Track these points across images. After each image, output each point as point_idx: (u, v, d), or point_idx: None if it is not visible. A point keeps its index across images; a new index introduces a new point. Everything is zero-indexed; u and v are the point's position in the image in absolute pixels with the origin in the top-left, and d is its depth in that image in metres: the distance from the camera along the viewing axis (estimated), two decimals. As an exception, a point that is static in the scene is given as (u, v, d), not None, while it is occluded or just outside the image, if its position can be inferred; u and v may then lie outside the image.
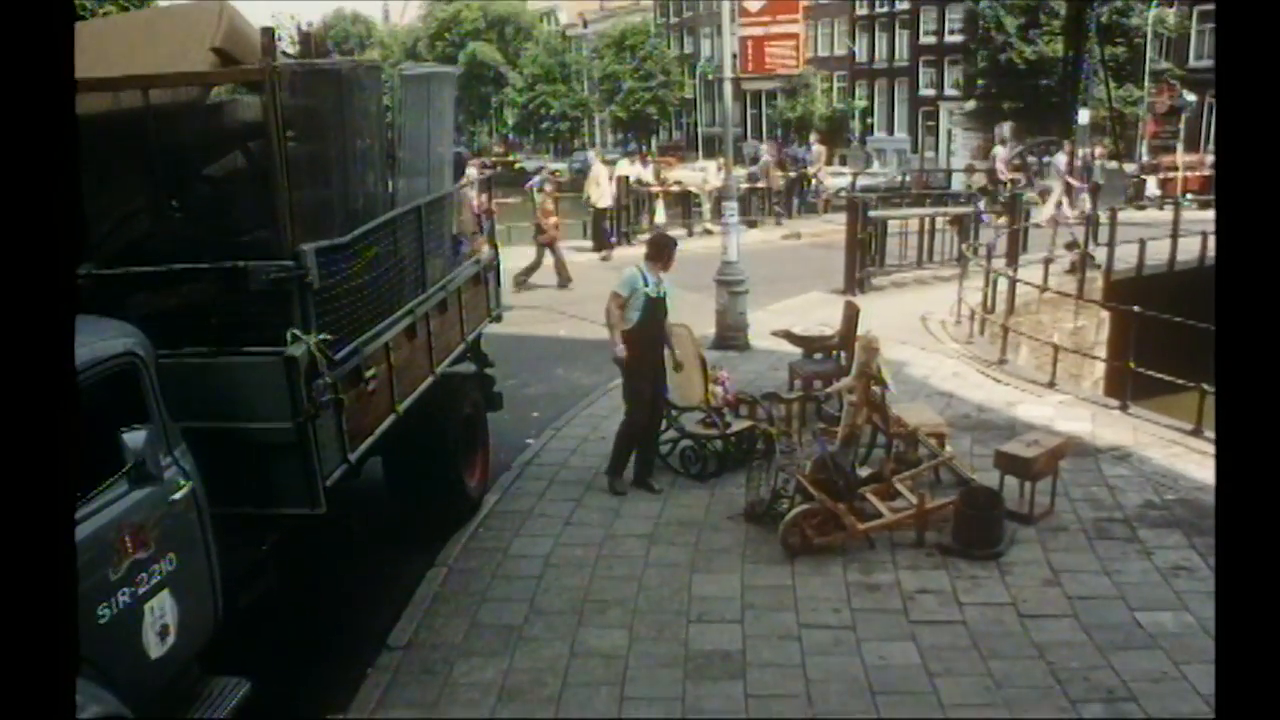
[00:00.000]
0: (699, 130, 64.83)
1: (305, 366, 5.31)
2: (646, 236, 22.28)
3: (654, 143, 63.65)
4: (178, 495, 4.67)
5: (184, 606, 4.65)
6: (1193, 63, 40.26)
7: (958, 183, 32.18)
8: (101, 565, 4.16)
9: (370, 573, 7.39)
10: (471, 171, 15.74)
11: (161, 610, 4.51)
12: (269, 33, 5.69)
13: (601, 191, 21.38)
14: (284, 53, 6.40)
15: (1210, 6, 39.24)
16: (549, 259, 18.37)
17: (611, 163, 25.89)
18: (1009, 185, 24.17)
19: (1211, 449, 8.86)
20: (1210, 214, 22.11)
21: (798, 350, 10.42)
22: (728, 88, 13.95)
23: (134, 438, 4.26)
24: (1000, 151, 25.16)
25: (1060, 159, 21.96)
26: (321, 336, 5.47)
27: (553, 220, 18.46)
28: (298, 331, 5.36)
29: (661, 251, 8.32)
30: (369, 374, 6.23)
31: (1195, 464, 8.61)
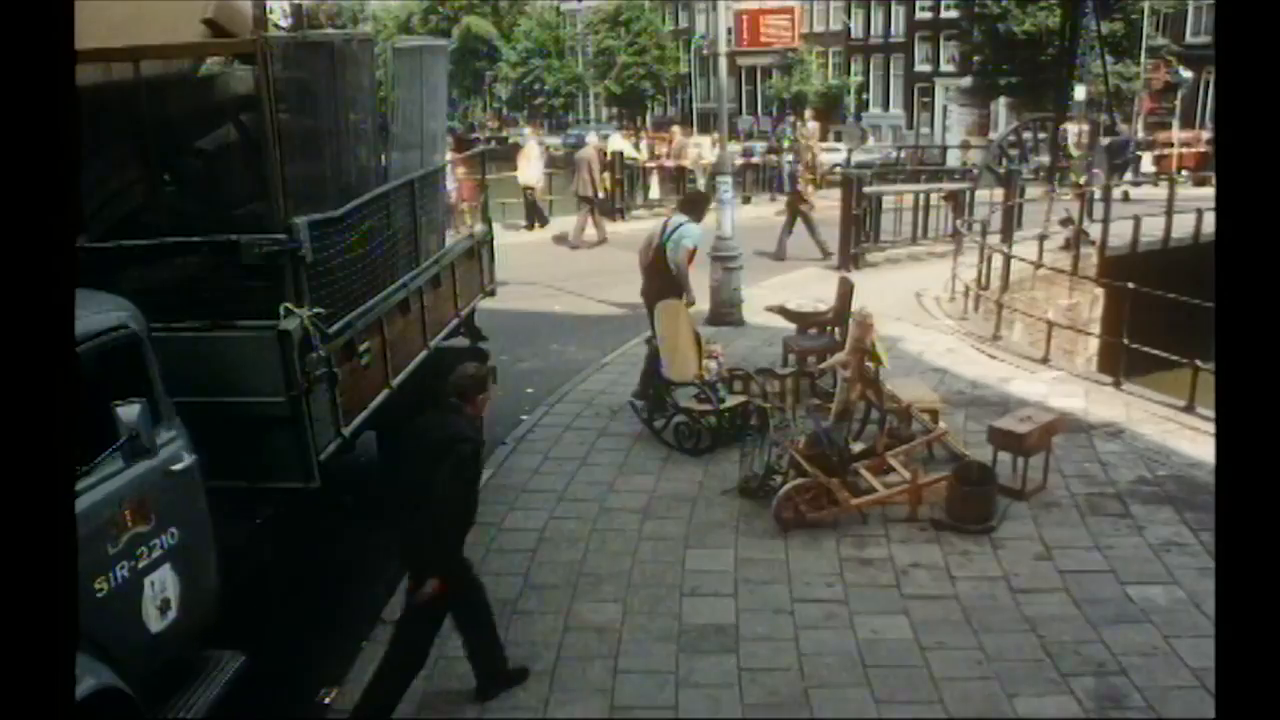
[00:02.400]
0: (694, 106, 64.52)
1: (298, 340, 5.30)
2: (641, 212, 22.46)
3: (648, 118, 63.39)
4: (178, 468, 4.67)
5: (185, 581, 4.66)
6: (1190, 39, 40.17)
7: (953, 159, 32.14)
8: (100, 539, 4.17)
9: (365, 546, 7.39)
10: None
11: (162, 584, 4.51)
12: (260, 5, 5.66)
13: (531, 169, 21.37)
14: (276, 25, 6.36)
15: (1208, -17, 39.15)
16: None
17: (605, 138, 25.87)
18: (1078, 160, 24.34)
19: (1204, 425, 8.90)
20: (1205, 191, 22.14)
21: (792, 326, 10.42)
22: (722, 63, 13.86)
23: (128, 411, 4.26)
24: (1071, 129, 25.29)
25: None
26: (315, 310, 5.46)
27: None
28: (291, 305, 5.35)
29: (697, 205, 9.96)
30: (362, 348, 6.23)
31: (1188, 440, 8.64)
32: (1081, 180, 22.00)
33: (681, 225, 9.42)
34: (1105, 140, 23.97)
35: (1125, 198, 21.57)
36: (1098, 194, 18.77)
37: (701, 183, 24.18)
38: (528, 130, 27.03)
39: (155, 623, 4.48)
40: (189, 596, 4.69)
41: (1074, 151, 25.11)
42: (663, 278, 9.38)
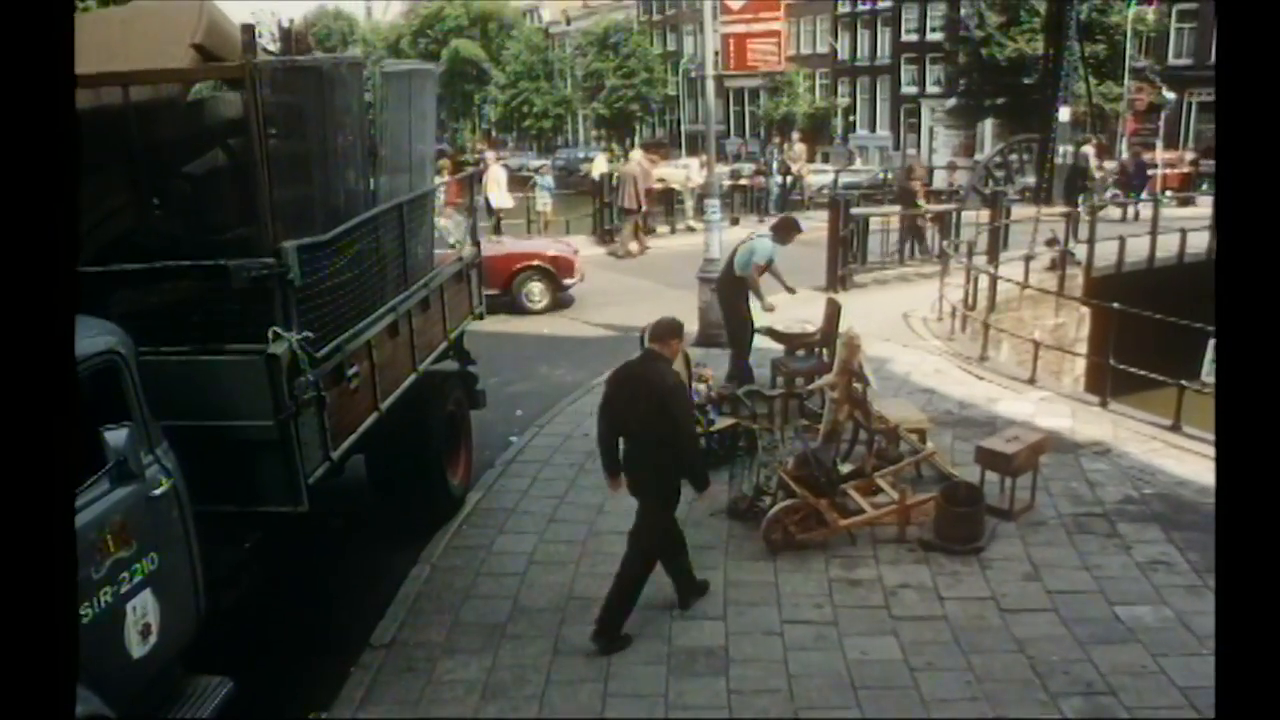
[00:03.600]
0: (682, 128, 64.78)
1: (287, 364, 5.30)
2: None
3: (636, 140, 63.59)
4: (159, 493, 4.66)
5: (166, 605, 4.64)
6: (1172, 60, 40.51)
7: (940, 180, 32.29)
8: (84, 565, 4.14)
9: (353, 571, 7.38)
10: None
11: (143, 609, 4.49)
12: (249, 29, 5.67)
13: (501, 194, 21.39)
14: (265, 49, 6.38)
15: (1189, 5, 39.51)
16: None
17: (590, 160, 26.09)
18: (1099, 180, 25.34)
19: (1190, 444, 8.95)
20: (1188, 211, 22.37)
21: (780, 347, 10.45)
22: (709, 85, 13.95)
23: (115, 436, 4.25)
24: (1090, 151, 25.87)
25: None
26: (303, 334, 5.46)
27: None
28: (279, 329, 5.35)
29: (782, 229, 10.45)
30: (351, 372, 6.22)
31: (1174, 459, 8.68)
32: (1107, 196, 22.58)
33: (757, 239, 10.34)
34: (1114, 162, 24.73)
35: (1136, 216, 22.03)
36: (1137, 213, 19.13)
37: (689, 205, 24.31)
38: (489, 155, 26.76)
39: (137, 648, 4.46)
40: (169, 621, 4.67)
41: (1095, 173, 25.62)
42: (728, 283, 10.51)
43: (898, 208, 19.12)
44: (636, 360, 6.31)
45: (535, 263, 16.13)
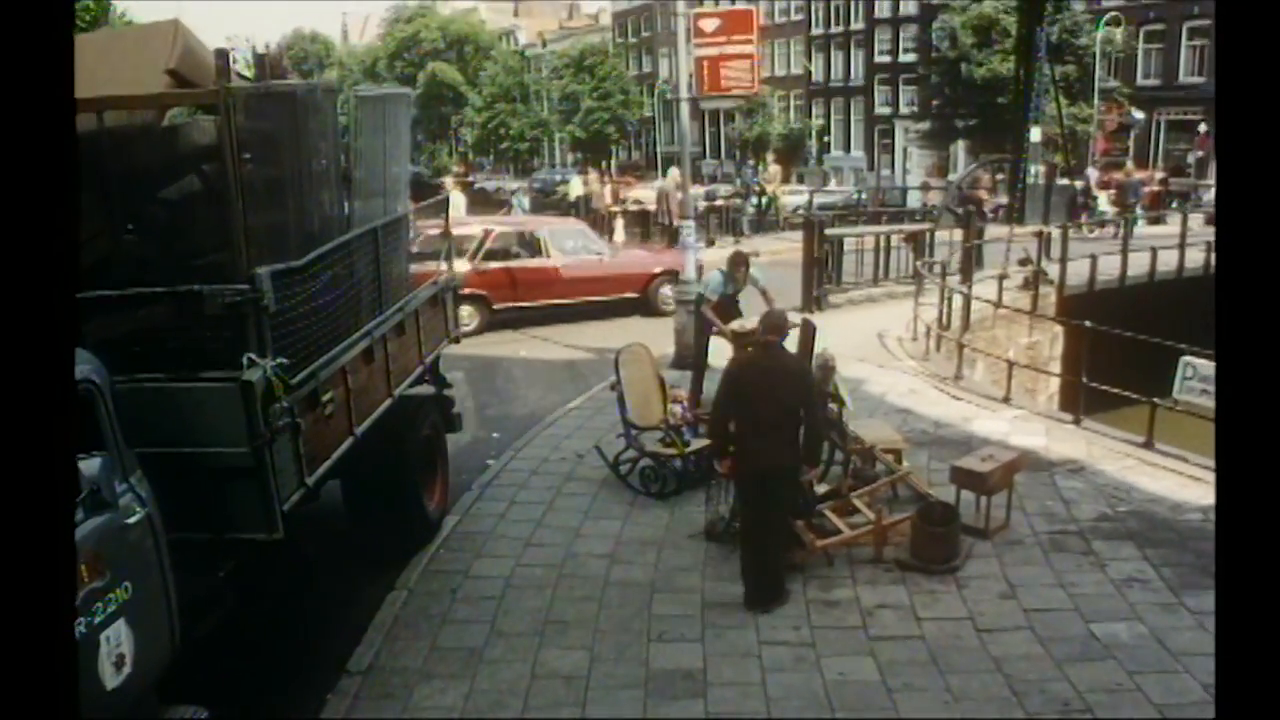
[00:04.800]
0: (658, 149, 65.03)
1: (262, 391, 5.27)
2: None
3: (613, 162, 63.78)
4: (132, 521, 4.61)
5: (140, 635, 4.59)
6: (1140, 81, 41.04)
7: (914, 200, 32.59)
8: None
9: (329, 597, 7.33)
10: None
11: (117, 639, 4.45)
12: (223, 55, 5.68)
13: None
14: (239, 75, 6.39)
15: (1156, 27, 40.06)
16: None
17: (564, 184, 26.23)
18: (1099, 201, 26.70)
19: (1162, 460, 9.03)
20: (1158, 229, 22.68)
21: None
22: (684, 108, 14.05)
23: (89, 465, 4.22)
24: (1092, 173, 26.70)
25: None
26: (278, 360, 5.44)
27: None
28: (254, 355, 5.32)
29: (731, 262, 10.81)
30: (326, 397, 6.20)
31: (1148, 476, 8.75)
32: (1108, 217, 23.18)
33: (713, 272, 11.11)
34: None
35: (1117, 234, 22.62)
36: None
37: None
38: (448, 180, 26.54)
39: (111, 679, 4.41)
40: (144, 651, 4.62)
41: (1096, 192, 26.19)
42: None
43: (874, 228, 19.31)
44: (758, 353, 6.76)
45: (670, 269, 17.20)
